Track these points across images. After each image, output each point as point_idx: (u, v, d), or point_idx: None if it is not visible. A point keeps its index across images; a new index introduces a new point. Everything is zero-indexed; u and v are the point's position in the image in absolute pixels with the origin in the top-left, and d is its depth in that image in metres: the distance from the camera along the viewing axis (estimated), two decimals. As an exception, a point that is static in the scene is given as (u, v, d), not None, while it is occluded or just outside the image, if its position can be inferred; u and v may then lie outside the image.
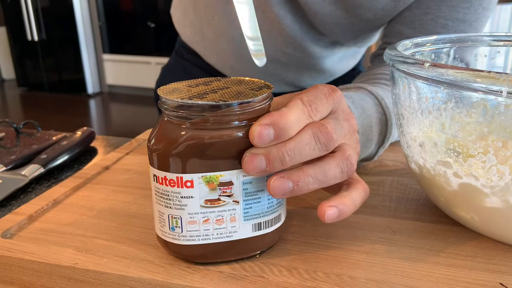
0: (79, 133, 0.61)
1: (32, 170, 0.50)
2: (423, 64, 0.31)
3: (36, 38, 4.11)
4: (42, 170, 0.51)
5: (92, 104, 4.10)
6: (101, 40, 4.16)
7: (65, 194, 0.42)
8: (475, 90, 0.28)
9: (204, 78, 0.33)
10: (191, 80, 0.33)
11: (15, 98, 4.26)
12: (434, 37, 0.42)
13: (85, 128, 0.63)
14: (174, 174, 0.28)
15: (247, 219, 0.30)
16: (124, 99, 4.17)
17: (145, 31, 3.99)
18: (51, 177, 0.52)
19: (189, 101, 0.28)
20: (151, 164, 0.30)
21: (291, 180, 0.29)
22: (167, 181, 0.29)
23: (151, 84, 4.30)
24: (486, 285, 0.29)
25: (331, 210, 0.30)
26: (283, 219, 0.33)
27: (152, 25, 3.95)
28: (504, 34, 0.44)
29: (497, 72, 0.27)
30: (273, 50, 0.68)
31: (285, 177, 0.29)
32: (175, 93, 0.30)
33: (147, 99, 4.07)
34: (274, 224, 0.32)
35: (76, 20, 4.00)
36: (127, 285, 0.30)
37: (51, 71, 4.23)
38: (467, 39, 0.44)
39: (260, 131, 0.28)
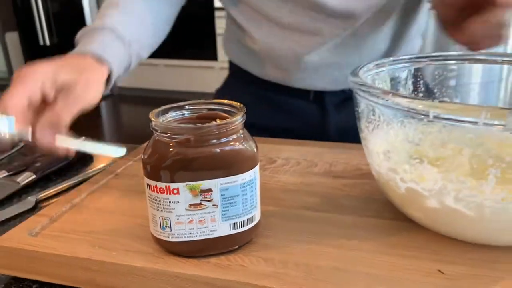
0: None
1: (25, 178, 0.58)
2: (379, 94, 0.36)
3: (48, 42, 4.21)
4: (34, 177, 0.59)
5: (103, 106, 4.20)
6: (110, 43, 4.25)
7: (80, 198, 0.48)
8: (412, 113, 0.34)
9: (192, 101, 0.40)
10: (183, 102, 0.40)
11: (29, 101, 4.38)
12: (391, 58, 0.48)
13: (83, 137, 0.69)
14: (163, 183, 0.35)
15: (225, 220, 0.37)
16: (134, 101, 4.26)
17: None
18: (45, 182, 0.60)
19: (173, 125, 0.35)
20: (145, 174, 0.36)
21: None
22: (158, 189, 0.35)
23: (160, 85, 4.34)
24: (426, 271, 0.35)
25: None
26: (257, 219, 0.39)
27: (160, 27, 4.02)
28: (456, 53, 0.50)
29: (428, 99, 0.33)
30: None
31: None
32: (165, 116, 0.37)
33: (157, 100, 4.17)
34: (249, 224, 0.38)
35: (87, 23, 4.10)
36: (133, 273, 0.37)
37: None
38: (423, 59, 0.50)
39: None
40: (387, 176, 0.40)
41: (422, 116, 0.33)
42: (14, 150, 0.72)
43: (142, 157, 0.37)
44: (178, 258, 0.37)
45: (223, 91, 0.84)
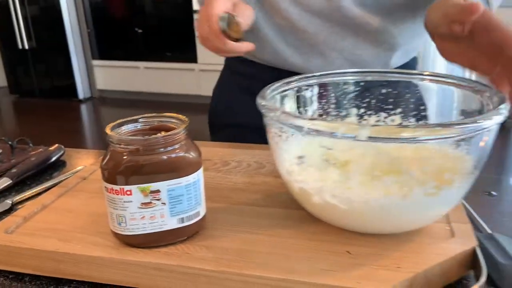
0: (51, 149, 0.74)
1: (2, 183, 0.64)
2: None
3: (26, 46, 4.21)
4: (10, 182, 0.65)
5: (84, 109, 4.22)
6: (90, 47, 4.27)
7: (51, 200, 0.55)
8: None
9: (144, 115, 0.47)
10: (136, 116, 0.46)
11: (8, 105, 4.37)
12: (298, 77, 0.55)
13: (56, 145, 0.76)
14: (118, 186, 0.42)
15: (173, 215, 0.44)
16: (114, 103, 4.29)
17: (133, 37, 4.11)
18: (21, 186, 0.66)
19: (123, 137, 0.42)
20: (103, 178, 0.43)
21: None
22: (114, 191, 0.42)
23: (140, 88, 4.35)
24: (338, 253, 0.42)
25: None
26: (202, 214, 0.46)
27: (140, 30, 4.06)
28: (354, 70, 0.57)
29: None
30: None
31: None
32: (121, 128, 0.43)
33: (137, 102, 4.20)
34: (194, 218, 0.45)
35: (65, 27, 4.11)
36: (93, 262, 0.43)
37: (42, 77, 4.34)
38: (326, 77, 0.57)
39: None
40: (286, 177, 0.47)
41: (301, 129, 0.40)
42: (-8, 158, 0.77)
43: (100, 164, 0.44)
44: (133, 248, 0.44)
45: (221, 93, 0.89)
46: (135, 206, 0.43)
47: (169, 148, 0.43)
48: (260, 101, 0.45)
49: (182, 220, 0.44)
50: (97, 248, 0.45)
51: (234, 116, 0.85)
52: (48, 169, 0.72)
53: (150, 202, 0.43)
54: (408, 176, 0.41)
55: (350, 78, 0.57)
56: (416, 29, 0.72)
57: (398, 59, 0.77)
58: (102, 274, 0.44)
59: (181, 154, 0.44)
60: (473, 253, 0.42)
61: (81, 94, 4.33)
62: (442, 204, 0.43)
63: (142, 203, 0.43)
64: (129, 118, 0.46)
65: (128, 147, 0.42)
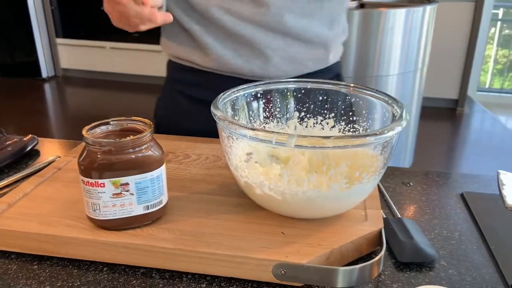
0: (25, 139, 0.80)
1: None
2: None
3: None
4: None
5: (47, 88, 4.16)
6: (54, 24, 4.19)
7: (30, 188, 0.62)
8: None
9: (116, 118, 0.55)
10: (108, 119, 0.55)
11: (-33, 82, 4.26)
12: (246, 85, 0.64)
13: (30, 135, 0.82)
14: (93, 179, 0.50)
15: (140, 204, 0.53)
16: (79, 83, 4.25)
17: (98, 16, 4.05)
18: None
19: (97, 139, 0.50)
20: (80, 172, 0.52)
21: None
22: (89, 183, 0.51)
23: (106, 68, 4.28)
24: (274, 233, 0.53)
25: None
26: (164, 202, 0.55)
27: (105, 10, 4.01)
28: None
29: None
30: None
31: None
32: (96, 133, 0.52)
33: (102, 83, 4.18)
34: (158, 206, 0.54)
35: (28, 4, 4.01)
36: (72, 242, 0.52)
37: (3, 54, 4.23)
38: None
39: None
40: (234, 173, 0.57)
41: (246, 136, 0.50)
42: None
43: (78, 160, 0.52)
44: (105, 231, 0.53)
45: (165, 103, 0.93)
46: (107, 196, 0.51)
47: (137, 149, 0.52)
48: (213, 110, 0.54)
49: (147, 207, 0.53)
50: (73, 230, 0.53)
51: (178, 124, 0.88)
52: (23, 158, 0.78)
53: (120, 193, 0.51)
54: (330, 173, 0.52)
55: (292, 86, 0.67)
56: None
57: (332, 56, 0.86)
58: (79, 252, 0.53)
59: (147, 153, 0.52)
60: (380, 233, 0.54)
61: (44, 73, 4.26)
62: (357, 196, 0.54)
63: (114, 194, 0.51)
64: (102, 121, 0.55)
65: (102, 148, 0.50)
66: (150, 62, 4.01)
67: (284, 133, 0.48)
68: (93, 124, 0.54)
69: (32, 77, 4.25)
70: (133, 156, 0.51)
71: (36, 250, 0.53)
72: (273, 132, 0.48)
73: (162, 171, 0.54)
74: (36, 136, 0.83)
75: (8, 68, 4.29)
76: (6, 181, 0.69)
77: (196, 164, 0.71)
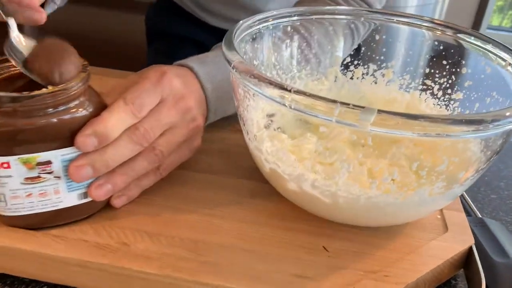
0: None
1: None
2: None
3: None
4: None
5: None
6: None
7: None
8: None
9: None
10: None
11: None
12: (275, 12, 0.42)
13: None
14: None
15: (72, 190, 0.34)
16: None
17: None
18: None
19: None
20: None
21: (109, 183, 0.34)
22: None
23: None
24: (309, 246, 0.35)
25: (119, 199, 0.36)
26: None
27: None
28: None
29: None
30: None
31: (103, 183, 0.34)
32: None
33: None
34: None
35: None
36: (4, 253, 0.33)
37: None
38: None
39: (83, 141, 0.32)
40: (253, 154, 0.38)
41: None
42: None
43: None
44: (18, 231, 0.34)
45: (158, 15, 0.83)
46: (16, 182, 0.32)
47: (61, 108, 0.32)
48: (227, 54, 0.34)
49: (84, 195, 0.35)
50: (11, 233, 0.34)
51: (171, 27, 0.80)
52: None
53: (39, 177, 0.32)
54: (422, 173, 0.32)
55: (340, 17, 0.45)
56: None
57: None
58: None
59: (79, 114, 0.33)
60: (468, 251, 0.36)
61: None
62: (446, 201, 0.35)
63: (27, 178, 0.32)
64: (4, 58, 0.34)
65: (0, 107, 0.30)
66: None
67: (348, 104, 0.28)
68: None
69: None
70: (54, 120, 0.31)
71: None
72: (333, 101, 0.28)
73: None
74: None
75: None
76: None
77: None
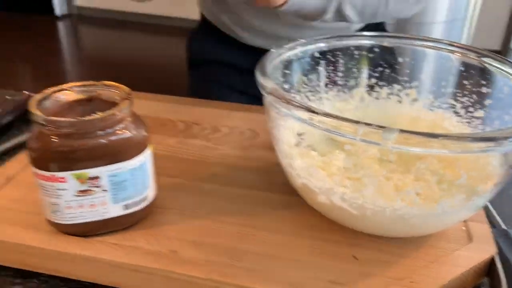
0: (21, 97, 0.65)
1: None
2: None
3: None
4: None
5: (61, 26, 3.96)
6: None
7: (16, 171, 0.48)
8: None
9: (76, 84, 0.39)
10: (70, 84, 0.39)
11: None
12: (303, 40, 0.47)
13: (24, 92, 0.67)
14: (49, 172, 0.36)
15: (117, 202, 0.38)
16: (94, 22, 4.03)
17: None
18: None
19: (52, 119, 0.35)
20: (30, 162, 0.37)
21: None
22: (45, 177, 0.36)
23: (122, 7, 4.07)
24: (339, 255, 0.38)
25: None
26: (150, 198, 0.41)
27: None
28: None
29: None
30: None
31: None
32: (45, 104, 0.37)
33: (118, 22, 3.95)
34: (141, 204, 0.40)
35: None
36: (66, 259, 0.38)
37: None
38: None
39: None
40: (285, 169, 0.41)
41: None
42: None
43: (27, 145, 0.37)
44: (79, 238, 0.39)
45: (199, 42, 0.87)
46: (70, 194, 0.37)
47: (109, 130, 0.36)
48: (261, 80, 0.38)
49: (127, 206, 0.39)
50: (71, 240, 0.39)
51: (213, 53, 0.84)
52: (14, 122, 0.64)
53: (89, 190, 0.37)
54: (443, 186, 0.35)
55: (365, 43, 0.49)
56: None
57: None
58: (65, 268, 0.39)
59: (124, 135, 0.37)
60: (491, 260, 0.38)
61: (58, 10, 4.04)
62: (468, 212, 0.38)
63: (79, 191, 0.37)
64: (56, 88, 0.39)
65: (59, 130, 0.35)
66: (168, 1, 3.75)
67: (371, 125, 0.31)
68: (45, 93, 0.38)
69: (44, 14, 4.03)
70: (103, 141, 0.36)
71: (21, 264, 0.40)
72: (357, 122, 0.31)
73: (146, 158, 0.39)
74: (32, 94, 0.67)
75: (17, 2, 4.08)
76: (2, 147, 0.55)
77: (228, 141, 0.55)
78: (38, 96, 0.37)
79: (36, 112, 0.35)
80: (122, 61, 3.17)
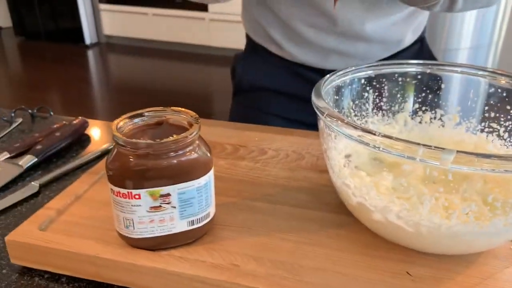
0: (75, 122, 0.70)
1: (27, 161, 0.61)
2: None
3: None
4: (35, 160, 0.62)
5: (90, 54, 4.12)
6: (97, -11, 4.10)
7: (83, 189, 0.52)
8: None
9: (150, 109, 0.43)
10: (145, 110, 0.43)
11: (13, 47, 4.27)
12: (355, 67, 0.50)
13: (79, 117, 0.72)
14: (125, 189, 0.39)
15: (183, 218, 0.41)
16: (122, 50, 4.18)
17: (141, -19, 3.93)
18: (47, 164, 0.63)
19: (132, 141, 0.39)
20: (108, 180, 0.40)
21: None
22: (121, 194, 0.40)
23: (149, 35, 4.22)
24: (394, 271, 0.40)
25: None
26: (212, 215, 0.44)
27: (149, -26, 3.88)
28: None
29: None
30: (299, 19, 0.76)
31: None
32: (126, 127, 0.41)
33: (145, 50, 4.09)
34: (204, 220, 0.43)
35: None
36: (137, 270, 0.41)
37: (47, 19, 4.20)
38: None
39: None
40: (340, 189, 0.44)
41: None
42: (13, 127, 0.74)
43: (106, 163, 0.41)
44: (148, 251, 0.42)
45: (247, 65, 0.89)
46: (143, 210, 0.40)
47: (180, 152, 0.40)
48: (316, 102, 0.41)
49: (192, 222, 0.42)
50: (140, 253, 0.42)
51: (259, 80, 0.87)
52: (73, 146, 0.68)
53: (160, 206, 0.40)
54: (496, 205, 0.37)
55: (410, 70, 0.52)
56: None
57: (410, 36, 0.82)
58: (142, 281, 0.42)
59: (193, 156, 0.41)
60: (541, 279, 0.40)
61: (87, 39, 4.21)
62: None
63: (151, 207, 0.40)
64: (134, 113, 0.43)
65: (137, 150, 0.39)
66: (192, 30, 3.87)
67: (430, 146, 0.33)
68: (124, 117, 0.42)
69: (76, 43, 4.21)
70: (175, 161, 0.40)
71: (93, 276, 0.43)
72: (417, 144, 0.34)
73: (210, 177, 0.42)
74: (86, 119, 0.72)
75: (51, 33, 4.27)
76: (53, 174, 0.59)
77: (275, 163, 0.58)
78: (117, 121, 0.41)
79: (117, 134, 0.39)
80: (150, 87, 3.28)
